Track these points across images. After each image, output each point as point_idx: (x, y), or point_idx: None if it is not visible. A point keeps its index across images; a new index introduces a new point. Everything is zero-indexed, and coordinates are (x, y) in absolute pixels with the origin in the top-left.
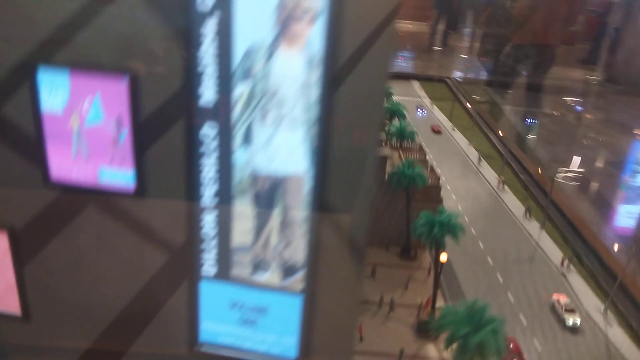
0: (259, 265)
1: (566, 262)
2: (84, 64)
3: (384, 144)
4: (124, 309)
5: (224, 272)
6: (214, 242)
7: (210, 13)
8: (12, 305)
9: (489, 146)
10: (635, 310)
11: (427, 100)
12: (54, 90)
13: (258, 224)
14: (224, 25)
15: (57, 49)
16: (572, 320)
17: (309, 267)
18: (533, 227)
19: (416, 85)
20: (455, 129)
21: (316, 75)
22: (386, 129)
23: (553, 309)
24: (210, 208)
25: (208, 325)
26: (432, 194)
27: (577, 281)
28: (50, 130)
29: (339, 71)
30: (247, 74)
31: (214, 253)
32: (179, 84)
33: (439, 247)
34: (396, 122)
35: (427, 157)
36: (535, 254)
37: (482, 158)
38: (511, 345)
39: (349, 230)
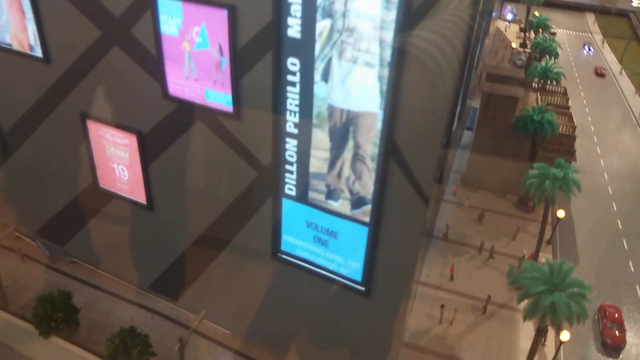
0: (332, 194)
1: None
2: None
3: (523, 83)
4: (225, 210)
5: (302, 194)
6: (295, 166)
7: None
8: (139, 195)
9: None
10: None
11: (598, 37)
12: (171, 16)
13: (333, 155)
14: None
15: None
16: None
17: (376, 201)
18: None
19: (590, 18)
20: (624, 73)
21: (392, 15)
22: (531, 67)
23: None
24: (293, 134)
25: (288, 238)
26: (565, 144)
27: None
28: (167, 50)
29: (414, 13)
30: (329, 11)
31: (295, 176)
32: (270, 18)
33: (548, 202)
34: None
35: (569, 103)
36: None
37: None
38: (616, 315)
39: (415, 172)
